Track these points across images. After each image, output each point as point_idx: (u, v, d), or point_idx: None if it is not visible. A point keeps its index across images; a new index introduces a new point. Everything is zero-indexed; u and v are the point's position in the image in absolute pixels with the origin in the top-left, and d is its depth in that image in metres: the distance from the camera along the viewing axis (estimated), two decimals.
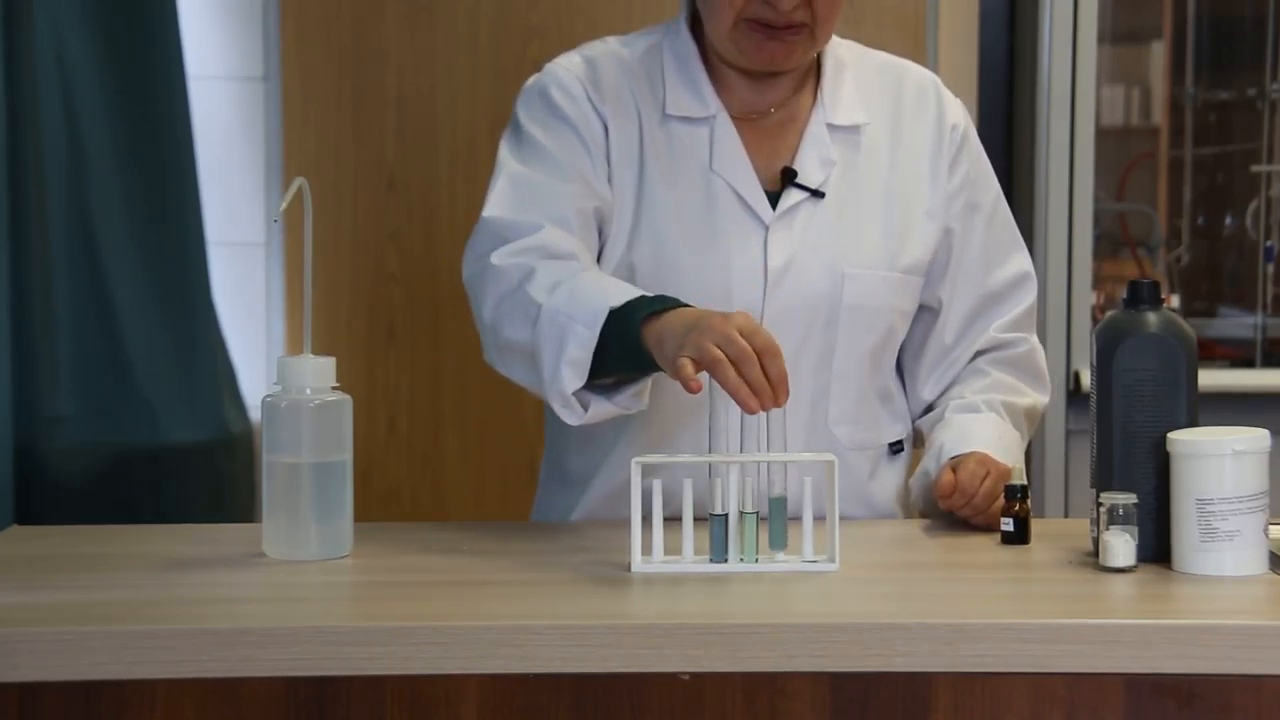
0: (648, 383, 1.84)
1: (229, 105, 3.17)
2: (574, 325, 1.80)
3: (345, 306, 3.25)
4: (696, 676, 1.49)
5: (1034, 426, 2.12)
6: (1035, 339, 2.12)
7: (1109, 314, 1.77)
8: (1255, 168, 3.89)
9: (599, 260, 1.98)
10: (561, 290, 1.84)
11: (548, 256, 1.90)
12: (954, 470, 1.90)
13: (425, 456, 3.26)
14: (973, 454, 1.92)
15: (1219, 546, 1.66)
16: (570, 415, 1.84)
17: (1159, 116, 4.08)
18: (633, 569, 1.68)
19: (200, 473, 2.61)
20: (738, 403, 1.66)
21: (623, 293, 1.82)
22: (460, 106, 3.25)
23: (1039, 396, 2.10)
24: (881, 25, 3.30)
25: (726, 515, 1.71)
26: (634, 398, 1.84)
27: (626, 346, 1.78)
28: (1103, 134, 3.58)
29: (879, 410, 2.06)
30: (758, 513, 1.72)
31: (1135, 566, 1.68)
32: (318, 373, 1.76)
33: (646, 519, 1.70)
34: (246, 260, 3.18)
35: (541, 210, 1.93)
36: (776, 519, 1.73)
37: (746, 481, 1.72)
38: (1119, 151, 4.02)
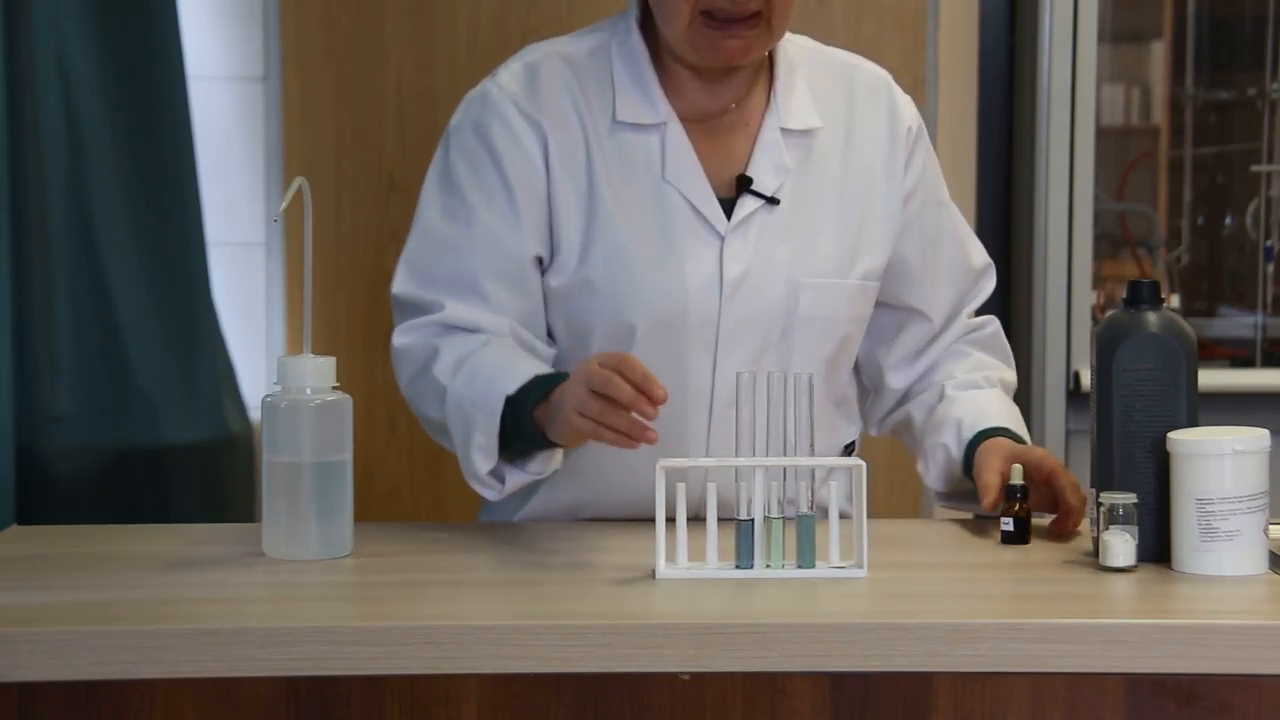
0: (558, 449, 1.88)
1: (229, 105, 3.17)
2: (476, 414, 1.85)
3: (345, 306, 3.25)
4: (696, 676, 1.49)
5: None
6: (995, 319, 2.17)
7: (1109, 314, 1.77)
8: (1255, 168, 3.89)
9: (552, 274, 1.96)
10: (463, 372, 1.88)
11: (448, 331, 1.93)
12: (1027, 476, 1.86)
13: (425, 456, 3.26)
14: (1048, 463, 1.88)
15: (1219, 546, 1.66)
16: (489, 492, 1.89)
17: (1159, 116, 4.08)
18: (657, 575, 1.66)
19: (200, 473, 2.61)
20: (623, 441, 1.69)
21: (519, 374, 1.84)
22: None
23: (1012, 374, 2.15)
24: (881, 25, 3.29)
25: (752, 521, 1.69)
26: (544, 463, 1.88)
27: (524, 432, 1.84)
28: (1103, 134, 3.57)
29: (833, 416, 2.05)
30: (784, 517, 1.70)
31: (1135, 566, 1.68)
32: (318, 373, 1.76)
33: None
34: (246, 260, 3.18)
35: (448, 280, 1.94)
36: (805, 537, 1.70)
37: (772, 486, 1.69)
38: (1119, 151, 4.01)
